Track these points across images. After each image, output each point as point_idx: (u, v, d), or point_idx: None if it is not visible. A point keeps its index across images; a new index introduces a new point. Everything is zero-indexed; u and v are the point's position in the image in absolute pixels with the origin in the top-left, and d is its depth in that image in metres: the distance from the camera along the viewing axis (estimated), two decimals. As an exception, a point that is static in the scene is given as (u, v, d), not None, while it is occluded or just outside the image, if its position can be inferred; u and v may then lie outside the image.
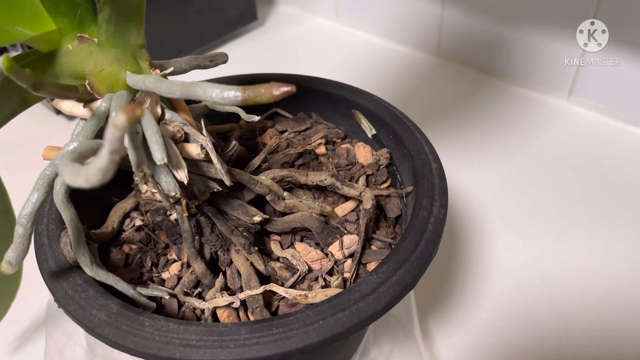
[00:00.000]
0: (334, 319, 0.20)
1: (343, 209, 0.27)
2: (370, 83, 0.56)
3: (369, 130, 0.30)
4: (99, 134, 0.20)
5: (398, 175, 0.28)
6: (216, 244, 0.24)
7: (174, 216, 0.25)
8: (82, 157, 0.16)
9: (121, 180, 0.29)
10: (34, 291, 0.34)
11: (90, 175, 0.13)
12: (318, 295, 0.22)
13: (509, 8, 0.51)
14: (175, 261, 0.26)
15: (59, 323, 0.35)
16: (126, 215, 0.28)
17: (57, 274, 0.22)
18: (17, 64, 0.18)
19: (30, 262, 0.23)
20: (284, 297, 0.23)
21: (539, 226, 0.41)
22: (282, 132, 0.32)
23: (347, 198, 0.27)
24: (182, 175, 0.20)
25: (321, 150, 0.30)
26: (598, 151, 0.47)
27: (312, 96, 0.32)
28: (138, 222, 0.28)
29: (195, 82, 0.18)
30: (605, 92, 0.49)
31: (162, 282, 0.25)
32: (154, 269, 0.26)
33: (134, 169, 0.19)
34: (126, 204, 0.28)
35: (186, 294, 0.24)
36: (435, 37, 0.58)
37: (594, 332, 0.34)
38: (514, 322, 0.35)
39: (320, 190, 0.28)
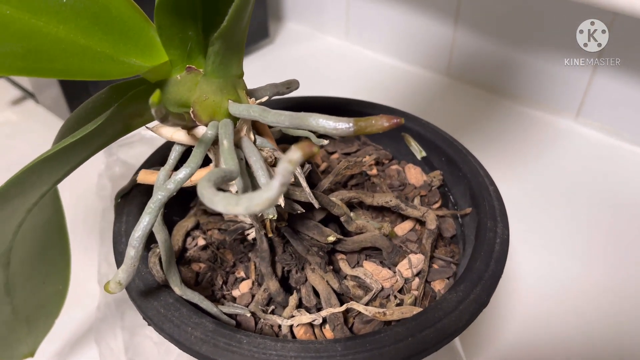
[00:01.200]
0: (422, 335, 0.21)
1: (402, 229, 0.28)
2: (381, 102, 0.58)
3: (419, 153, 0.31)
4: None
5: (450, 197, 0.30)
6: (290, 263, 0.25)
7: (251, 236, 0.26)
8: (216, 185, 0.17)
9: (180, 200, 0.30)
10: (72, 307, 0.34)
11: (254, 204, 0.14)
12: (395, 312, 0.23)
13: (519, 31, 0.54)
14: (243, 279, 0.27)
15: (102, 336, 0.35)
16: (187, 234, 0.29)
17: (146, 293, 0.23)
18: (129, 92, 0.19)
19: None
20: (358, 314, 0.24)
21: (546, 244, 0.43)
22: (331, 153, 0.33)
23: (404, 218, 0.29)
24: (280, 199, 0.21)
25: (373, 171, 0.31)
26: (604, 171, 0.50)
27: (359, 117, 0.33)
28: (201, 242, 0.28)
29: (304, 113, 0.19)
30: (612, 113, 0.52)
31: (234, 299, 0.26)
32: (224, 287, 0.27)
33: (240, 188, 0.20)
34: (187, 223, 0.29)
35: (263, 311, 0.25)
36: (446, 58, 0.60)
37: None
38: (538, 336, 0.37)
39: (377, 210, 0.29)
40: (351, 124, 0.18)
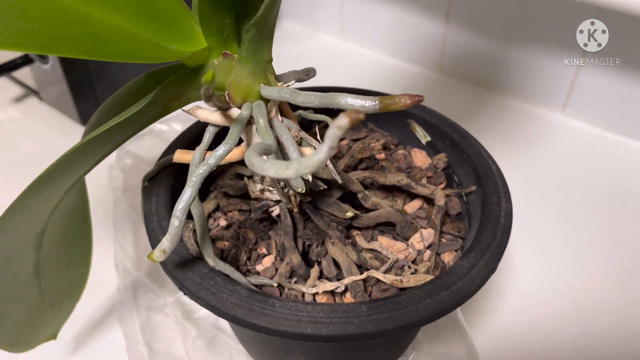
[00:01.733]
0: (439, 297, 0.23)
1: (412, 207, 0.30)
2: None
3: (424, 138, 0.33)
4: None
5: (455, 178, 0.32)
6: (312, 237, 0.27)
7: (275, 213, 0.27)
8: (261, 155, 0.19)
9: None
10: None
11: (304, 167, 0.16)
12: (411, 280, 0.25)
13: (508, 28, 0.56)
14: (265, 255, 0.28)
15: (124, 318, 0.36)
16: (208, 216, 0.31)
17: (181, 265, 0.24)
18: (169, 74, 0.21)
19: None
20: (376, 283, 0.26)
21: (537, 233, 0.45)
22: (341, 140, 0.35)
23: (412, 198, 0.31)
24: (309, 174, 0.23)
25: (381, 156, 0.33)
26: (591, 160, 0.53)
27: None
28: (222, 222, 0.30)
29: (333, 93, 0.21)
30: (597, 105, 0.55)
31: (257, 274, 0.28)
32: (247, 262, 0.28)
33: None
34: (208, 205, 0.31)
35: (287, 282, 0.26)
36: (438, 54, 0.63)
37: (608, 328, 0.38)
38: (533, 312, 0.39)
39: (387, 191, 0.31)
40: (377, 102, 0.20)
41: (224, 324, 0.38)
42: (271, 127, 0.23)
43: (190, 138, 0.31)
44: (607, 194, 0.49)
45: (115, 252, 0.40)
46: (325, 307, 0.22)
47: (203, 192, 0.32)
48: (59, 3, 0.18)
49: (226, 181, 0.31)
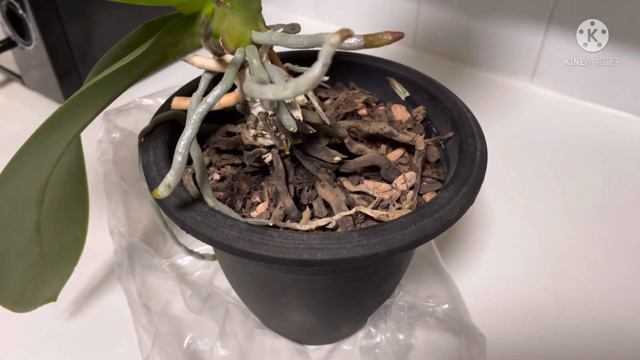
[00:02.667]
0: (423, 224, 0.25)
1: (394, 155, 0.32)
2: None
3: (402, 94, 0.36)
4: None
5: (433, 128, 0.34)
6: (303, 182, 0.29)
7: (268, 159, 0.29)
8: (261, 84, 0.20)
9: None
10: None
11: (300, 85, 0.18)
12: (396, 215, 0.27)
13: (477, 2, 0.59)
14: (259, 203, 0.30)
15: (122, 279, 0.38)
16: (202, 171, 0.32)
17: (182, 207, 0.26)
18: (166, 23, 0.22)
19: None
20: (364, 220, 0.28)
21: (510, 192, 0.48)
22: (324, 99, 0.37)
23: (394, 147, 0.33)
24: (299, 114, 0.25)
25: (363, 112, 0.35)
26: (559, 125, 0.56)
27: (348, 67, 0.37)
28: (216, 176, 0.32)
29: (321, 33, 0.23)
30: (563, 73, 0.58)
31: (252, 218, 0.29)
32: (242, 209, 0.30)
33: (263, 107, 0.24)
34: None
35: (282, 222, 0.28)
36: (412, 31, 0.65)
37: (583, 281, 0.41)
38: (513, 267, 0.42)
39: (371, 141, 0.33)
40: (361, 39, 0.22)
41: (219, 282, 0.40)
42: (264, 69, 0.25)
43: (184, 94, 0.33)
44: (574, 154, 0.52)
45: (108, 219, 0.41)
46: (319, 236, 0.24)
47: (196, 150, 0.33)
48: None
49: (218, 137, 0.32)
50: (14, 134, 0.54)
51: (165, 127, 0.31)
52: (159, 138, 0.30)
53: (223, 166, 0.32)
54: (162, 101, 0.48)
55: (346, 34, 0.17)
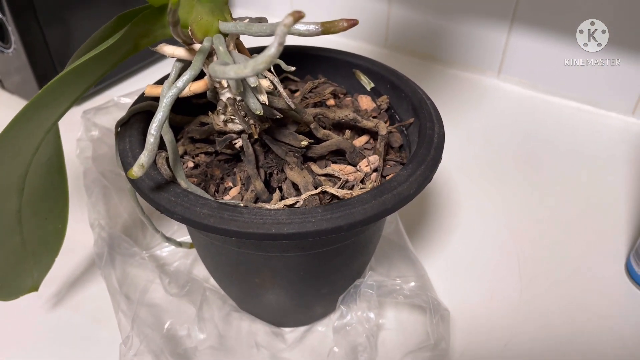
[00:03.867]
0: (383, 199, 0.27)
1: (359, 142, 0.34)
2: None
3: (368, 85, 0.37)
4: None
5: (397, 116, 0.36)
6: (272, 166, 0.31)
7: (238, 144, 0.31)
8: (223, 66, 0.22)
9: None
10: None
11: (259, 63, 0.19)
12: (360, 193, 0.29)
13: (445, 3, 0.61)
14: (231, 188, 0.32)
15: (103, 268, 0.39)
16: (177, 160, 0.34)
17: (156, 189, 0.27)
18: (138, 14, 0.24)
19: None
20: (330, 201, 0.30)
21: (478, 181, 0.50)
22: (294, 91, 0.39)
23: (360, 134, 0.35)
24: (264, 98, 0.26)
25: (331, 102, 0.37)
26: (524, 118, 0.58)
27: (316, 61, 0.39)
28: (190, 164, 0.33)
29: (280, 21, 0.24)
30: (527, 68, 0.60)
31: (225, 203, 0.31)
32: (215, 194, 0.32)
33: (231, 93, 0.25)
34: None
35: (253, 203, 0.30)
36: (383, 31, 0.67)
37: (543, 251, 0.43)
38: (479, 245, 0.44)
39: (337, 129, 0.35)
40: (319, 26, 0.23)
41: (198, 271, 0.41)
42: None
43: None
44: (538, 144, 0.54)
45: (89, 213, 0.42)
46: (286, 211, 0.26)
47: (171, 141, 0.35)
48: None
49: (192, 127, 0.34)
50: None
51: (141, 117, 0.32)
52: (134, 127, 0.31)
53: (197, 155, 0.34)
54: (140, 100, 0.49)
55: (298, 15, 0.19)
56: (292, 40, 0.44)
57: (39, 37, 0.53)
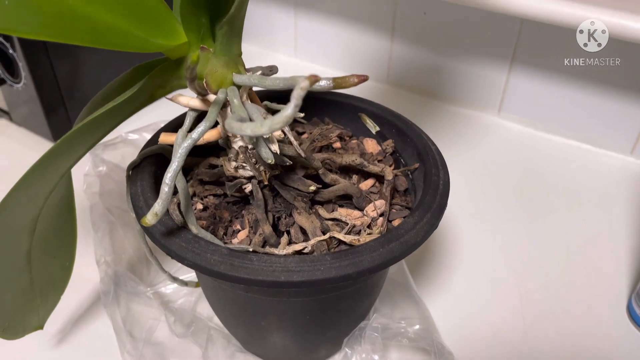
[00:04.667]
0: (390, 247, 0.27)
1: (365, 185, 0.35)
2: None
3: (373, 128, 0.38)
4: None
5: (402, 160, 0.37)
6: (281, 210, 0.31)
7: (248, 189, 0.31)
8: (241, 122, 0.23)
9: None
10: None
11: (275, 123, 0.20)
12: (367, 239, 0.30)
13: (446, 41, 0.63)
14: (240, 230, 0.32)
15: (108, 306, 0.39)
16: (186, 202, 0.34)
17: (167, 234, 0.28)
18: (155, 67, 0.25)
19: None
20: (338, 245, 0.30)
21: (479, 218, 0.51)
22: (301, 134, 0.39)
23: (365, 178, 0.35)
24: (276, 147, 0.27)
25: (337, 145, 0.38)
26: (524, 156, 0.59)
27: (323, 104, 0.40)
28: (199, 206, 0.34)
29: (296, 76, 0.25)
30: (526, 107, 0.61)
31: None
32: (224, 237, 0.32)
33: (243, 142, 0.26)
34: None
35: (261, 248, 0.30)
36: (385, 68, 0.69)
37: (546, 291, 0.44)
38: (482, 289, 0.44)
39: (344, 172, 0.35)
40: (330, 81, 0.24)
41: (202, 309, 0.41)
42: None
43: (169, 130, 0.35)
44: (538, 183, 0.55)
45: (95, 249, 0.42)
46: (295, 258, 0.27)
47: (180, 182, 0.35)
48: (65, 3, 0.22)
49: (201, 170, 0.35)
50: (2, 168, 0.55)
51: (152, 160, 0.33)
52: (145, 170, 0.32)
53: (206, 196, 0.34)
54: (148, 136, 0.50)
55: (314, 79, 0.20)
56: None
57: (49, 72, 0.54)
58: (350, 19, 0.68)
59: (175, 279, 0.37)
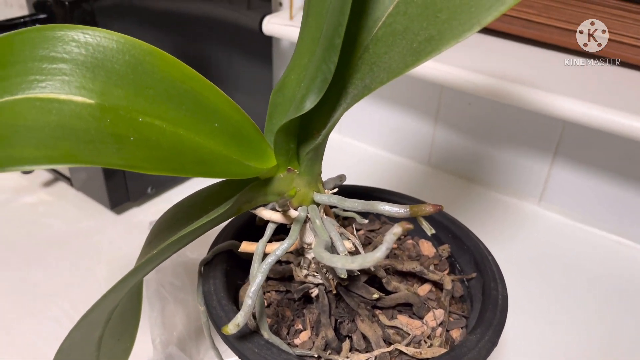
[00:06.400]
0: (456, 366, 0.28)
1: (423, 290, 0.36)
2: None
3: (429, 230, 0.40)
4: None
5: (457, 265, 0.38)
6: (344, 315, 0.33)
7: (314, 294, 0.33)
8: (326, 249, 0.25)
9: (242, 266, 0.37)
10: None
11: (367, 261, 0.22)
12: (428, 352, 0.31)
13: (489, 129, 0.65)
14: (301, 330, 0.34)
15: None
16: (249, 296, 0.36)
17: (241, 338, 0.29)
18: (244, 185, 0.27)
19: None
20: (398, 355, 0.31)
21: (521, 306, 0.51)
22: (358, 230, 0.41)
23: (423, 282, 0.37)
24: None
25: (394, 245, 0.39)
26: (564, 248, 0.60)
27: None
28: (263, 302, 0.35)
29: (373, 201, 0.27)
30: (568, 198, 0.62)
31: (296, 346, 0.33)
32: (287, 336, 0.33)
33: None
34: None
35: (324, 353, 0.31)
36: (427, 150, 0.71)
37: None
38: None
39: (402, 276, 0.37)
40: (407, 209, 0.26)
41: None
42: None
43: (235, 228, 0.37)
44: (580, 278, 0.55)
45: (151, 328, 0.44)
46: (363, 374, 0.28)
47: (244, 274, 0.37)
48: (179, 136, 0.25)
49: (266, 266, 0.36)
50: (59, 232, 0.58)
51: (223, 257, 0.35)
52: (217, 268, 0.34)
53: (268, 291, 0.36)
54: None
55: (406, 227, 0.22)
56: (354, 180, 0.48)
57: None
58: (397, 102, 0.71)
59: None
